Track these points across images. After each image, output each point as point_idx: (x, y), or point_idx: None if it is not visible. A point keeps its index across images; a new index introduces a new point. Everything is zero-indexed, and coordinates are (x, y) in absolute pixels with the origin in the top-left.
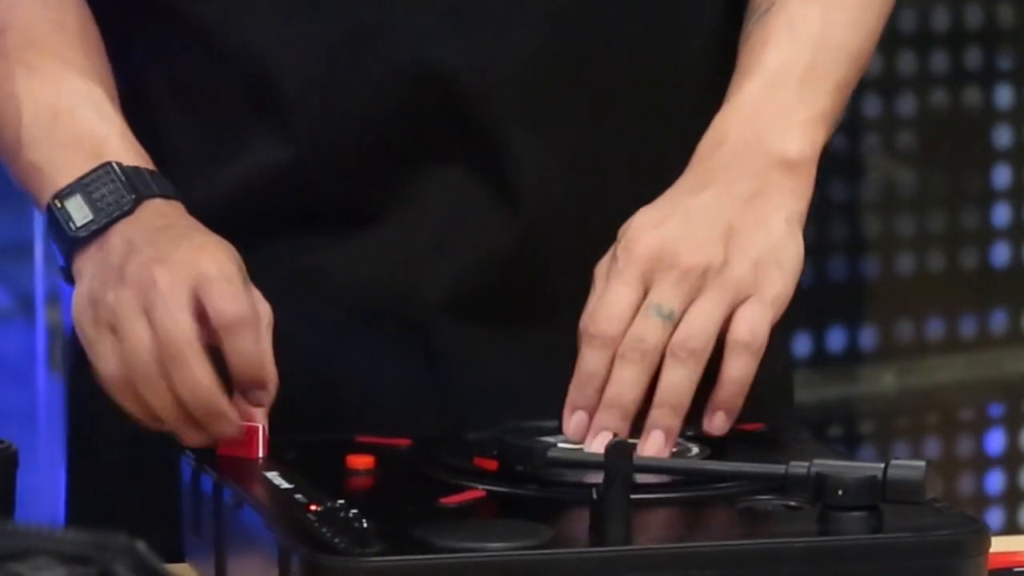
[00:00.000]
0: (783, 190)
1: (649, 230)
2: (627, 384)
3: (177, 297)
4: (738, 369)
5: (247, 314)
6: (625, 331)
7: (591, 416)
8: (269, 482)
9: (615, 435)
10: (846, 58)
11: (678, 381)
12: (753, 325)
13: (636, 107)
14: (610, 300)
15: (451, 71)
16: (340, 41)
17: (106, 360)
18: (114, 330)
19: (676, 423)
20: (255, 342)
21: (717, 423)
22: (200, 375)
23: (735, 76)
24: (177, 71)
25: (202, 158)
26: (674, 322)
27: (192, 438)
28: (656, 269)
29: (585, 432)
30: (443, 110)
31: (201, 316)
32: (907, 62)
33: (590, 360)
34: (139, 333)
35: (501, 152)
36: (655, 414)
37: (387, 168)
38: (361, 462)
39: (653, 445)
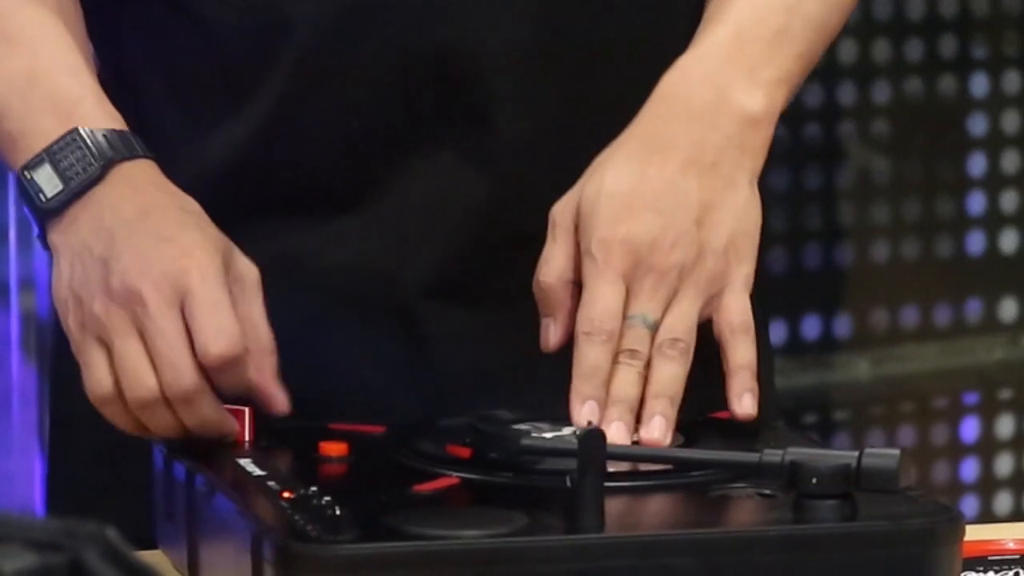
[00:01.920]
0: (745, 148)
1: (622, 224)
2: (629, 383)
3: (172, 328)
4: (743, 354)
5: (231, 351)
6: (618, 325)
7: (600, 406)
8: (242, 469)
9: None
10: (815, 30)
11: (671, 375)
12: (739, 310)
13: (628, 91)
14: (599, 300)
15: (442, 54)
16: (330, 21)
17: (97, 373)
18: (103, 343)
19: (673, 411)
20: (242, 373)
21: (747, 404)
22: (210, 415)
23: (703, 22)
24: (163, 50)
25: (185, 137)
26: (658, 325)
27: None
28: (634, 271)
29: (598, 419)
30: (433, 93)
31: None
32: (882, 50)
33: (591, 355)
34: (139, 365)
35: (490, 135)
36: (653, 404)
37: (373, 151)
38: (334, 449)
39: (656, 430)
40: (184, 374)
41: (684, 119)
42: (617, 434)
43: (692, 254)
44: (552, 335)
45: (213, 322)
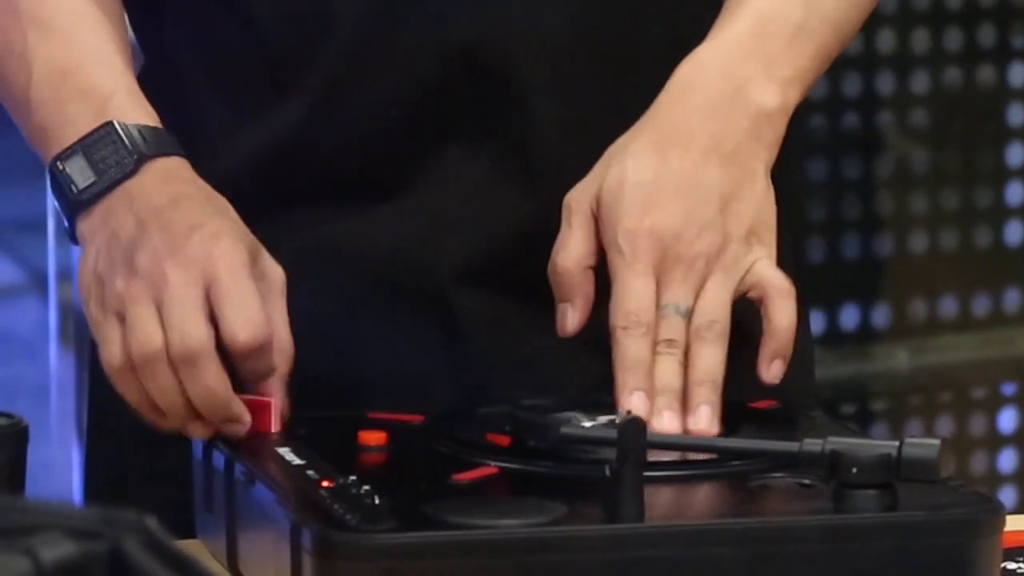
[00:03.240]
0: (760, 139)
1: (647, 215)
2: (671, 372)
3: (191, 298)
4: (785, 315)
5: (259, 339)
6: (653, 317)
7: (648, 396)
8: (281, 458)
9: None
10: (832, 28)
11: (710, 360)
12: (778, 275)
13: (662, 82)
14: (632, 294)
15: (479, 44)
16: (372, 12)
17: (112, 346)
18: (122, 318)
19: (716, 397)
20: (268, 362)
21: (775, 371)
22: (214, 383)
23: (723, 13)
24: (206, 40)
25: (227, 127)
26: (691, 312)
27: (197, 431)
28: (662, 262)
29: (648, 409)
30: (470, 84)
31: (212, 317)
32: (921, 40)
33: (633, 348)
34: (149, 325)
35: (526, 127)
36: (698, 392)
37: (411, 141)
38: (373, 438)
39: (703, 419)
40: (191, 333)
41: (702, 111)
42: (669, 423)
43: (717, 242)
44: (570, 320)
45: (242, 310)
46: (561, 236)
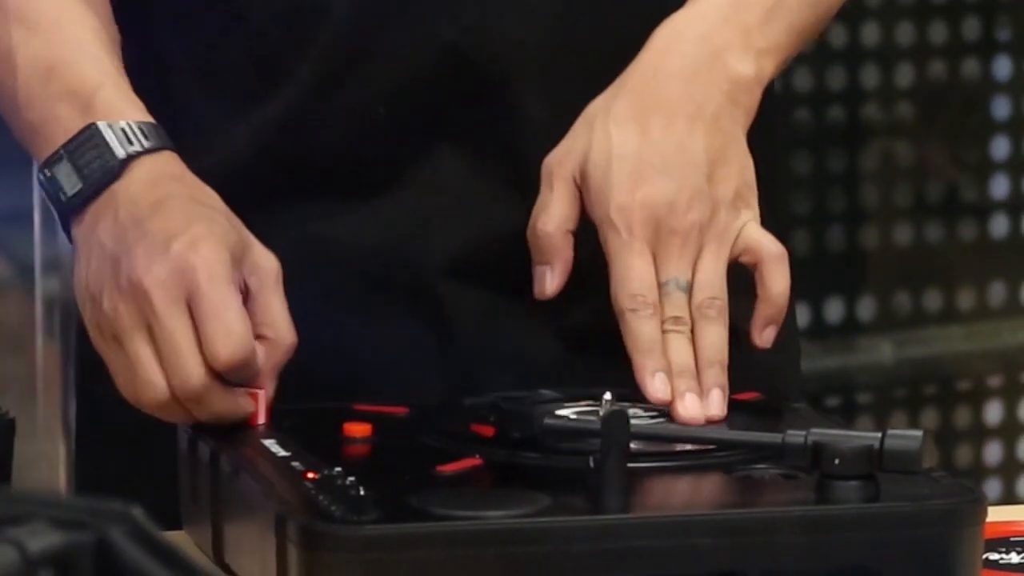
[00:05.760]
0: (737, 104)
1: (638, 188)
2: (684, 352)
3: (179, 326)
4: (778, 281)
5: (239, 355)
6: (657, 296)
7: (668, 376)
8: (266, 450)
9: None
10: (809, 7)
11: (715, 338)
12: (770, 239)
13: None
14: (633, 274)
15: (468, 44)
16: (361, 8)
17: (120, 380)
18: (120, 342)
19: (725, 379)
20: (251, 372)
21: (767, 336)
22: (222, 409)
23: None
24: (194, 35)
25: (215, 123)
26: (690, 286)
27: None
28: (657, 236)
29: (671, 391)
30: (459, 82)
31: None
32: (905, 33)
33: (644, 329)
34: (149, 370)
35: (514, 125)
36: (708, 374)
37: (400, 137)
38: (358, 430)
39: (716, 403)
40: (191, 376)
41: (680, 76)
42: (692, 405)
43: (708, 211)
44: (549, 283)
45: (221, 325)
46: (542, 199)
